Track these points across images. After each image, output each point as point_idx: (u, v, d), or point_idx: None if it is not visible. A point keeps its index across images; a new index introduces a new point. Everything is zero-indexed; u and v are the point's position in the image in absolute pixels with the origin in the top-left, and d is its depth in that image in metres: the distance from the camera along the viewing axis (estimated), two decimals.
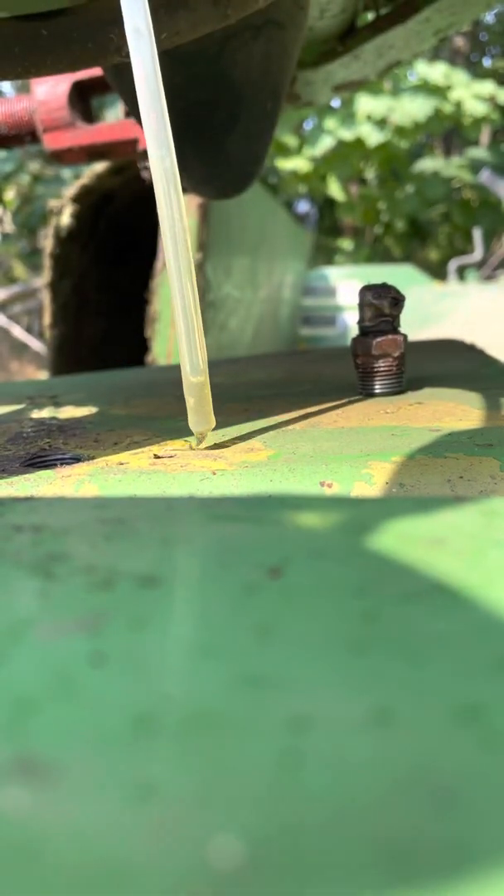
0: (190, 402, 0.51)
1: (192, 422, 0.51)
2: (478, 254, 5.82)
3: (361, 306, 0.68)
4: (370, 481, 0.44)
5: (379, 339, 0.66)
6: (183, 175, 0.48)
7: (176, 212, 0.47)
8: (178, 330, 0.49)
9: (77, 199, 1.77)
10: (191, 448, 0.52)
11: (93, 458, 0.53)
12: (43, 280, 1.92)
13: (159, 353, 1.67)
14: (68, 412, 0.73)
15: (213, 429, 0.53)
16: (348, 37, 0.99)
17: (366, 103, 7.18)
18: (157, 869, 0.13)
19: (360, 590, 0.24)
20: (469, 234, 7.83)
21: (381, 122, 7.34)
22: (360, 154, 7.63)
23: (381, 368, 0.67)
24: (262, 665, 0.20)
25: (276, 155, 7.58)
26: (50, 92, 1.21)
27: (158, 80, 0.46)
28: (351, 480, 0.44)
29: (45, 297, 1.84)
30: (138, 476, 0.47)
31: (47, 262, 1.81)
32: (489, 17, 10.00)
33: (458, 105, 7.47)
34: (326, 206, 9.34)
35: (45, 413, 0.73)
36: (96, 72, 1.14)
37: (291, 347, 3.35)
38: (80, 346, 1.91)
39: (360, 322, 0.68)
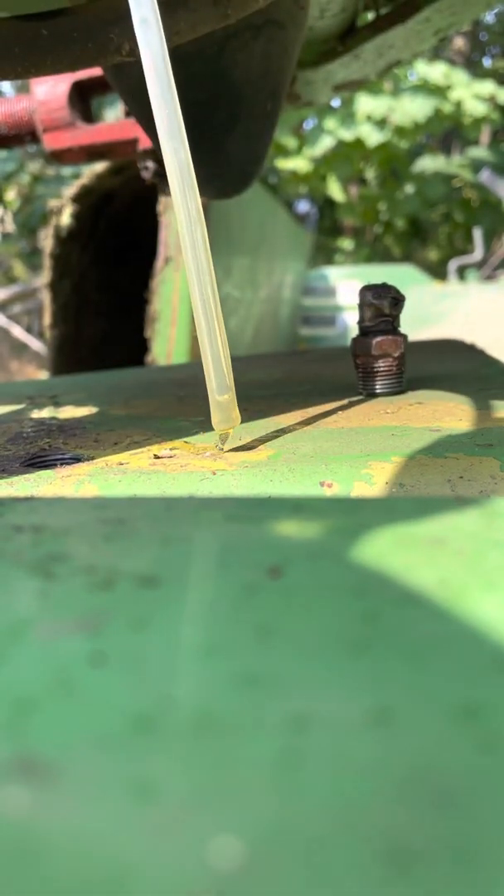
0: (215, 417, 0.50)
1: (216, 420, 0.51)
2: (478, 254, 5.81)
3: (361, 306, 0.68)
4: (370, 481, 0.44)
5: (379, 339, 0.66)
6: None
7: (192, 202, 0.46)
8: (202, 339, 0.48)
9: (77, 199, 1.78)
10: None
11: (93, 458, 0.53)
12: (43, 280, 1.92)
13: (159, 353, 1.67)
14: (68, 412, 0.73)
15: (211, 430, 0.52)
16: (348, 36, 0.99)
17: (366, 103, 7.17)
18: (157, 869, 0.13)
19: (359, 590, 0.24)
20: (469, 234, 7.83)
21: (381, 122, 7.33)
22: (360, 154, 7.63)
23: (381, 368, 0.67)
24: (262, 665, 0.20)
25: (276, 155, 7.58)
26: (50, 92, 1.21)
27: (168, 72, 0.45)
28: (351, 480, 0.44)
29: (45, 297, 1.85)
30: (138, 476, 0.47)
31: (47, 262, 1.81)
32: (489, 17, 10.01)
33: (458, 105, 7.47)
34: (326, 206, 9.34)
35: (45, 413, 0.73)
36: (96, 72, 1.14)
37: (291, 347, 3.35)
38: (80, 346, 1.91)
39: (360, 322, 0.68)
